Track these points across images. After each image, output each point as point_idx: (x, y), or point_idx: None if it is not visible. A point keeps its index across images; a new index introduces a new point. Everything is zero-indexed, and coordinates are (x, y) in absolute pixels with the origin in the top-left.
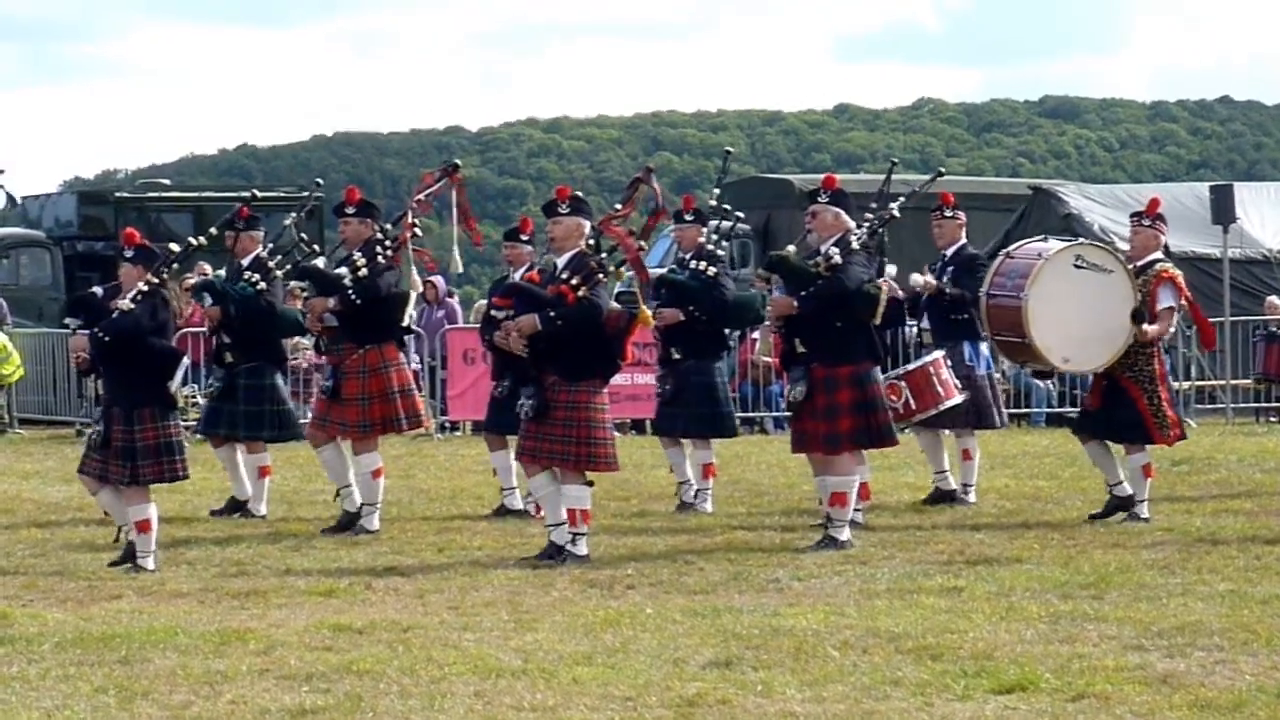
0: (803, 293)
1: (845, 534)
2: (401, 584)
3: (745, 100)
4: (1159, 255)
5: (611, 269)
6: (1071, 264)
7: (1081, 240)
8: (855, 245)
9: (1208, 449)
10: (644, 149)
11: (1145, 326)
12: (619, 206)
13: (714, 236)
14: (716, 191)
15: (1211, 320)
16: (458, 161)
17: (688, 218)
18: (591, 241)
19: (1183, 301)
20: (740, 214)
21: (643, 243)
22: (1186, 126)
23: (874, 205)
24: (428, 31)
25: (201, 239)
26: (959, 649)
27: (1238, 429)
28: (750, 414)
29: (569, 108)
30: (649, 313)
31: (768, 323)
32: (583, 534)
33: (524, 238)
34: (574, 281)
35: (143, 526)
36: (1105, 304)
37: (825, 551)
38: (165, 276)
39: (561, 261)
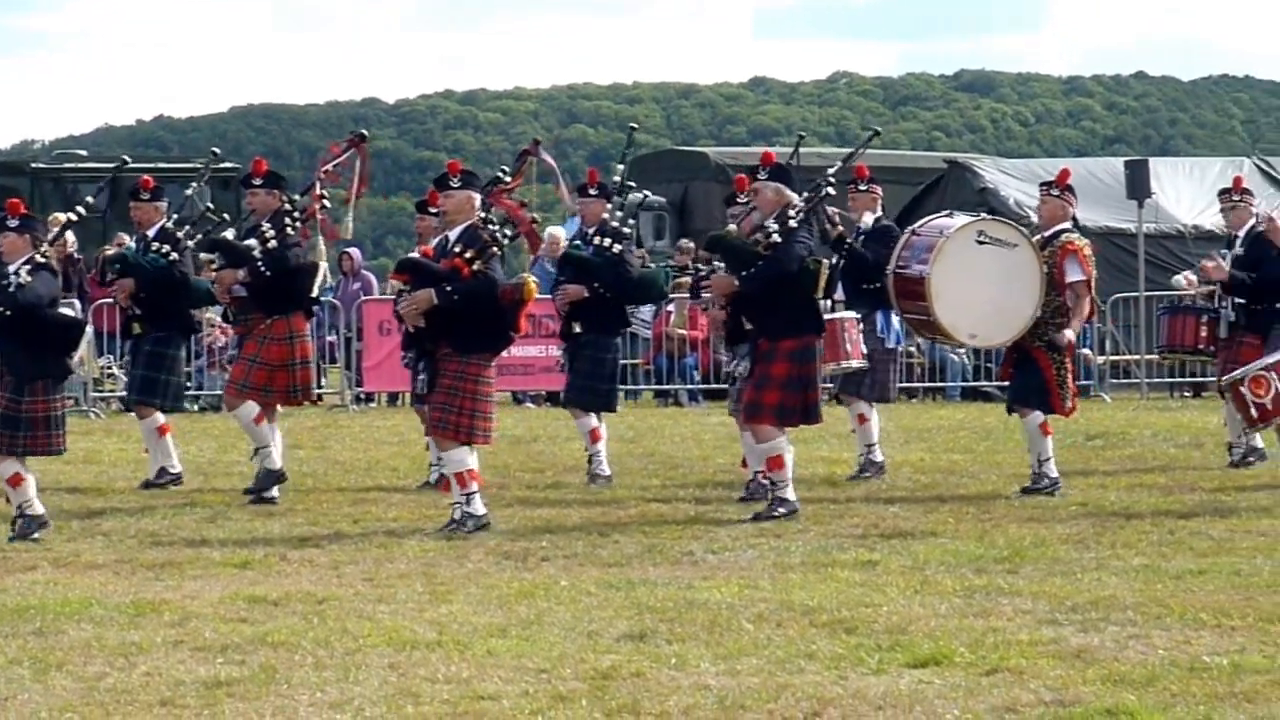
0: (744, 272)
1: (789, 492)
2: (316, 556)
3: (661, 73)
4: (1067, 226)
5: (505, 241)
6: (974, 240)
7: (984, 216)
8: (793, 222)
9: (1122, 424)
10: (559, 121)
11: (1066, 333)
12: (508, 179)
13: (618, 213)
14: (620, 167)
15: (1126, 295)
16: (364, 131)
17: (592, 192)
18: (483, 214)
19: (1090, 271)
20: (645, 189)
21: (534, 216)
22: (1102, 101)
23: None
24: (346, 4)
25: (80, 210)
26: (873, 623)
27: (1152, 404)
28: (665, 386)
29: (485, 80)
30: (533, 283)
31: (706, 297)
32: (474, 492)
33: (434, 210)
34: (468, 255)
35: (13, 481)
36: (1010, 278)
37: (775, 513)
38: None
39: (454, 235)
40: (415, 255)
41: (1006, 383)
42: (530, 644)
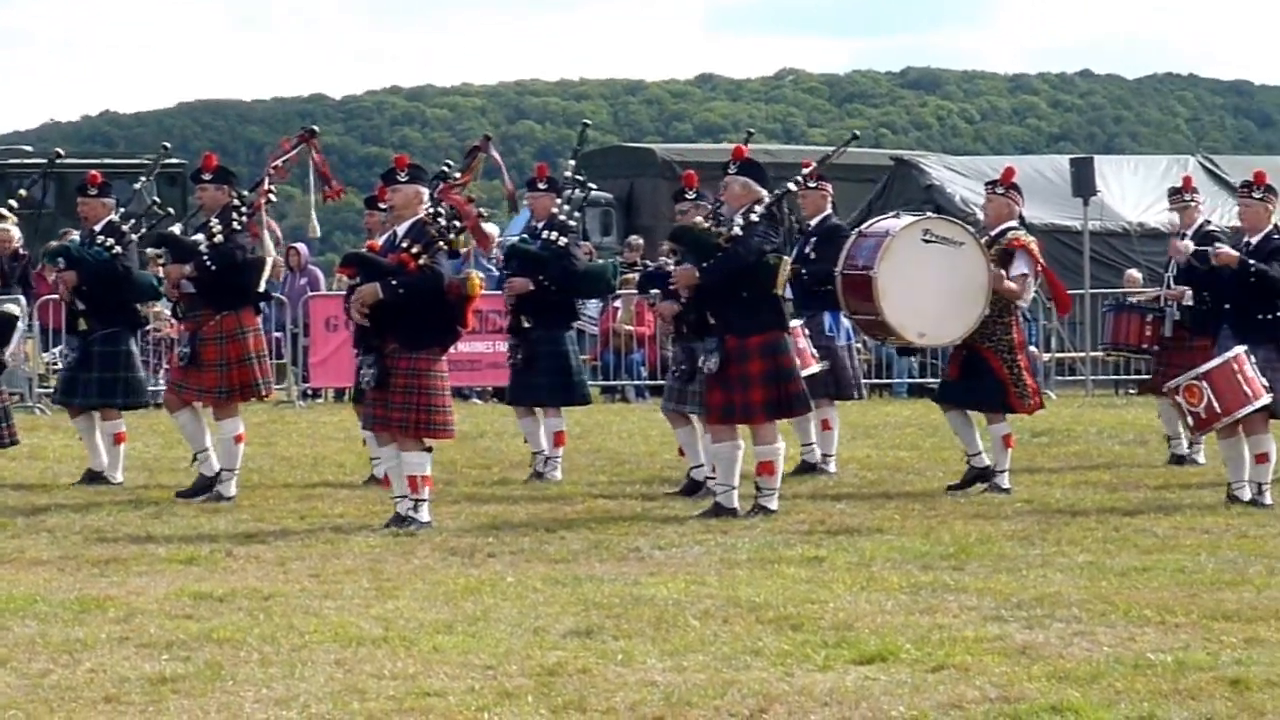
0: (704, 265)
1: (774, 502)
2: (262, 551)
3: (608, 69)
4: (1013, 224)
5: (452, 236)
6: (920, 239)
7: (929, 215)
8: (755, 216)
9: (1067, 421)
10: (507, 117)
11: (1008, 284)
12: (458, 175)
13: (566, 206)
14: (572, 162)
15: (1071, 292)
16: (314, 127)
17: (541, 186)
18: (431, 209)
19: (1038, 269)
20: (592, 184)
21: (482, 211)
22: (1047, 99)
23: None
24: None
25: (13, 203)
26: (819, 619)
27: (1097, 401)
28: (611, 382)
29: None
30: (477, 279)
31: (654, 293)
32: (424, 500)
33: (383, 205)
34: (414, 250)
35: None
36: (957, 276)
37: (757, 519)
38: None
39: (401, 230)
40: (361, 250)
41: (946, 380)
42: (476, 640)
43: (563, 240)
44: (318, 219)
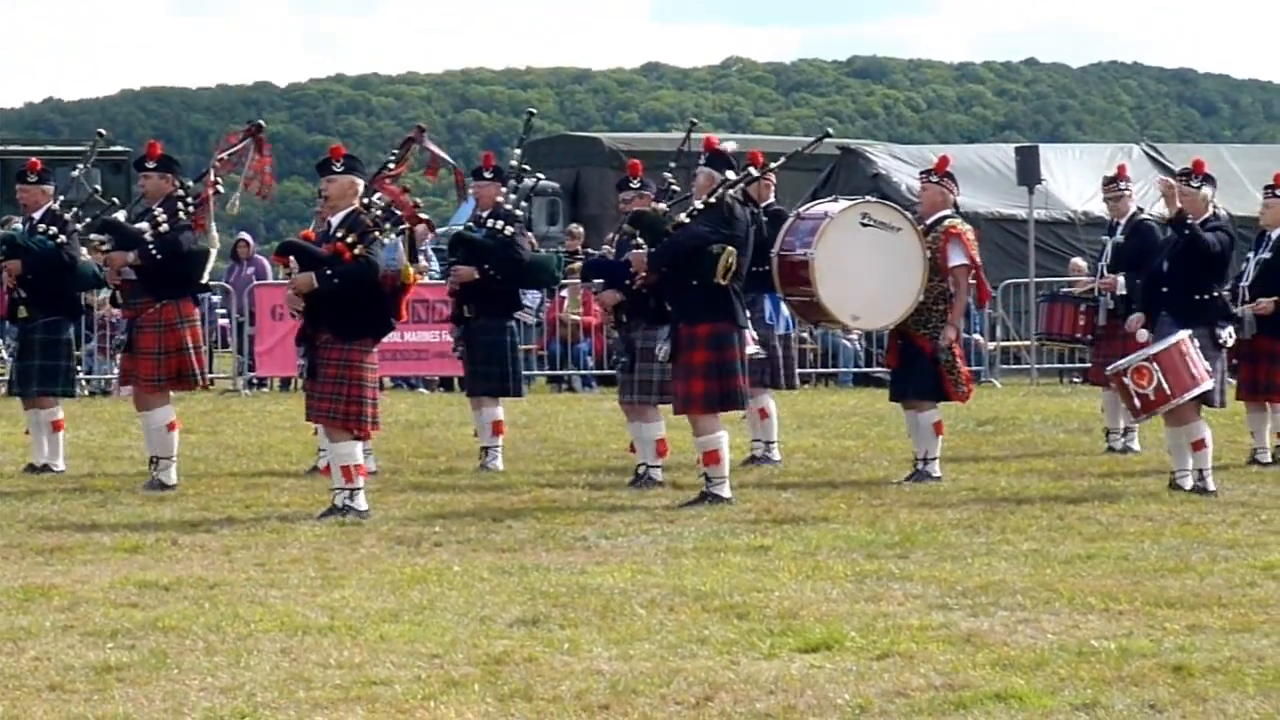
0: (651, 250)
1: (726, 490)
2: (208, 540)
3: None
4: (948, 212)
5: (388, 227)
6: (858, 222)
7: (868, 199)
8: (699, 204)
9: (1012, 409)
10: (453, 106)
11: (947, 331)
12: (392, 165)
13: (512, 196)
14: (518, 152)
15: (1016, 281)
16: (262, 122)
17: (486, 175)
18: (365, 200)
19: (972, 255)
20: (539, 174)
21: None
22: (993, 88)
23: (672, 164)
24: None
25: None
26: (765, 608)
27: (1042, 389)
28: (558, 372)
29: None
30: (412, 270)
31: (598, 283)
32: (359, 488)
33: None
34: (349, 240)
35: None
36: (894, 261)
37: (705, 508)
38: None
39: (336, 220)
40: (297, 239)
41: (891, 374)
42: (423, 629)
43: (508, 229)
44: (240, 200)
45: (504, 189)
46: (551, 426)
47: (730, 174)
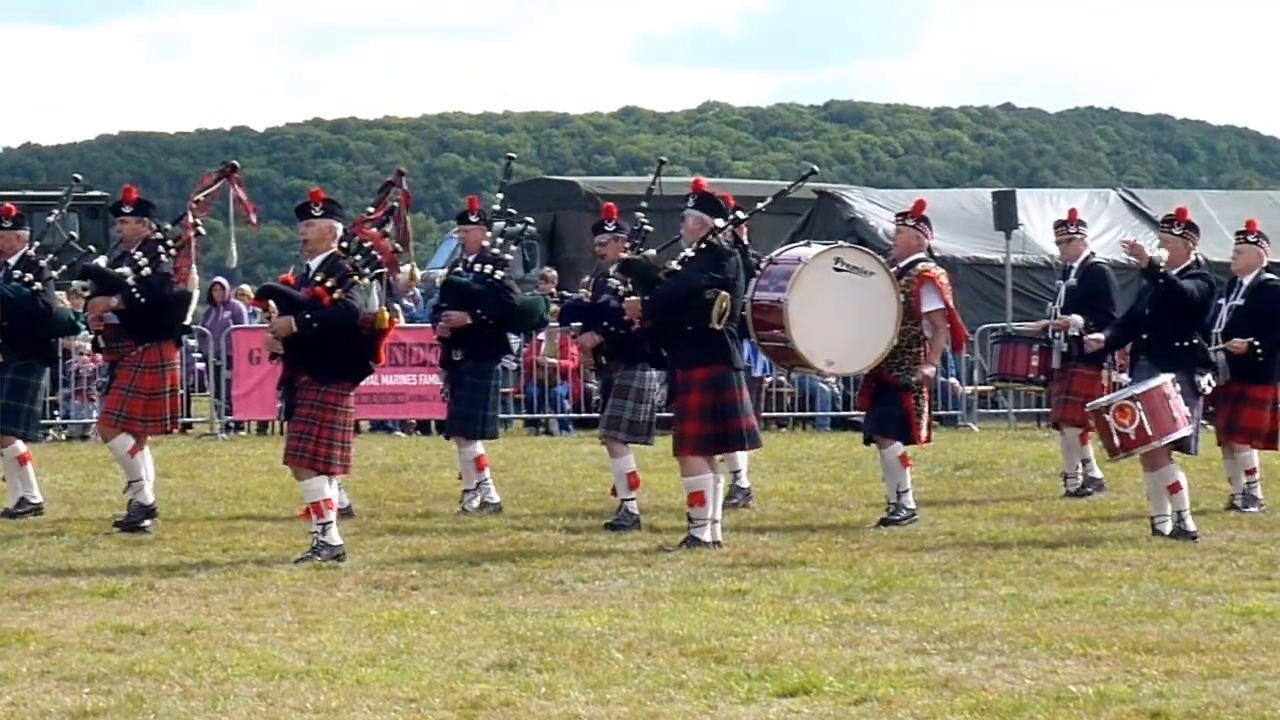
0: (646, 298)
1: (707, 534)
2: (185, 584)
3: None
4: (922, 256)
5: (367, 272)
6: (831, 267)
7: (841, 244)
8: (692, 251)
9: (990, 453)
10: (430, 150)
11: (925, 370)
12: (371, 210)
13: (499, 240)
14: (500, 195)
15: (993, 325)
16: (235, 162)
17: (472, 219)
18: (344, 244)
19: (946, 299)
20: (528, 218)
21: (398, 247)
22: (970, 133)
23: (644, 204)
24: (217, 33)
25: None
26: (743, 652)
27: (1019, 434)
28: (535, 415)
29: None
30: (388, 314)
31: (576, 326)
32: (330, 522)
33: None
34: (329, 284)
35: None
36: (867, 306)
37: (687, 550)
38: None
39: (315, 264)
40: (275, 283)
41: (863, 412)
42: (400, 673)
43: (499, 273)
44: (237, 250)
45: (490, 233)
46: (528, 470)
47: (719, 220)
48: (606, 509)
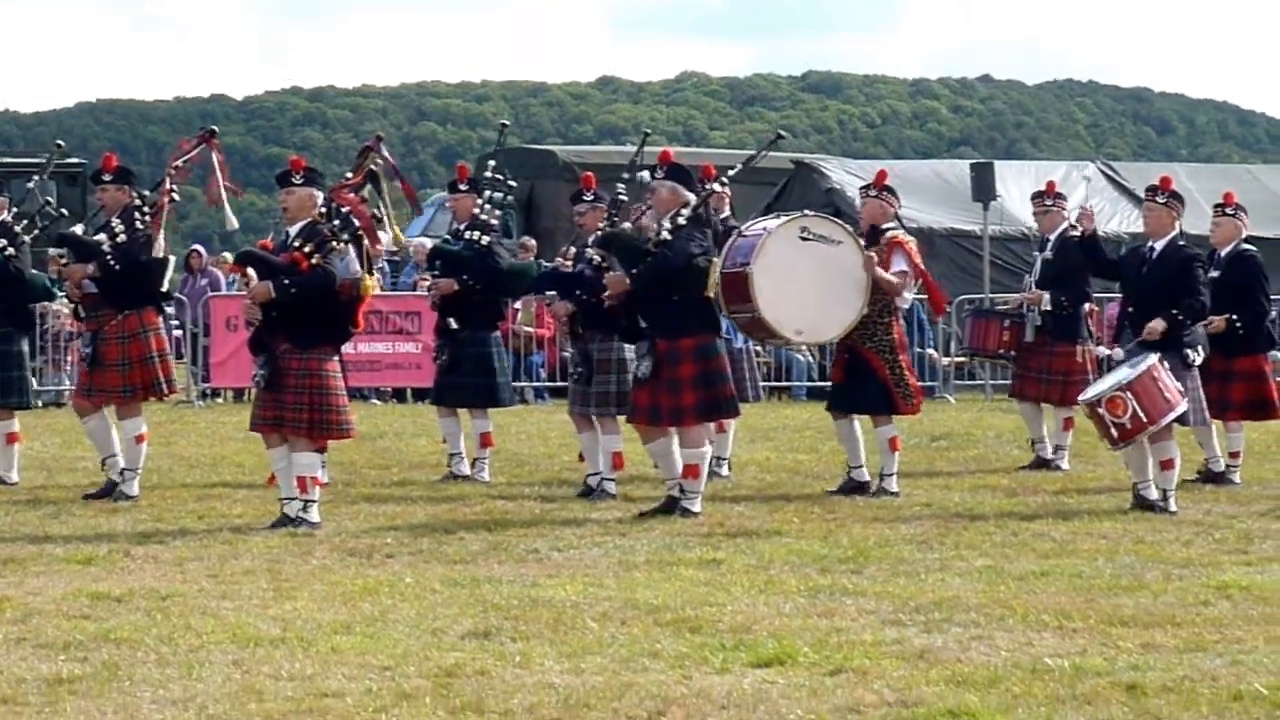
0: (634, 270)
1: (697, 505)
2: (160, 552)
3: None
4: (891, 224)
5: (346, 237)
6: (798, 236)
7: (807, 212)
8: (683, 220)
9: (967, 425)
10: (408, 118)
11: (887, 274)
12: (349, 175)
13: (487, 206)
14: (492, 162)
15: (971, 296)
16: (214, 127)
17: (462, 187)
18: (324, 210)
19: (916, 268)
20: (514, 183)
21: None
22: (948, 104)
23: (625, 176)
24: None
25: None
26: (717, 622)
27: (996, 405)
28: (511, 383)
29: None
30: (370, 282)
31: (551, 294)
32: (313, 500)
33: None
34: (307, 249)
35: None
36: (835, 274)
37: (658, 520)
38: None
39: (294, 230)
40: (254, 248)
41: (832, 383)
42: (374, 641)
43: (485, 239)
44: (233, 213)
45: (480, 200)
46: (504, 438)
47: (715, 186)
48: (581, 477)
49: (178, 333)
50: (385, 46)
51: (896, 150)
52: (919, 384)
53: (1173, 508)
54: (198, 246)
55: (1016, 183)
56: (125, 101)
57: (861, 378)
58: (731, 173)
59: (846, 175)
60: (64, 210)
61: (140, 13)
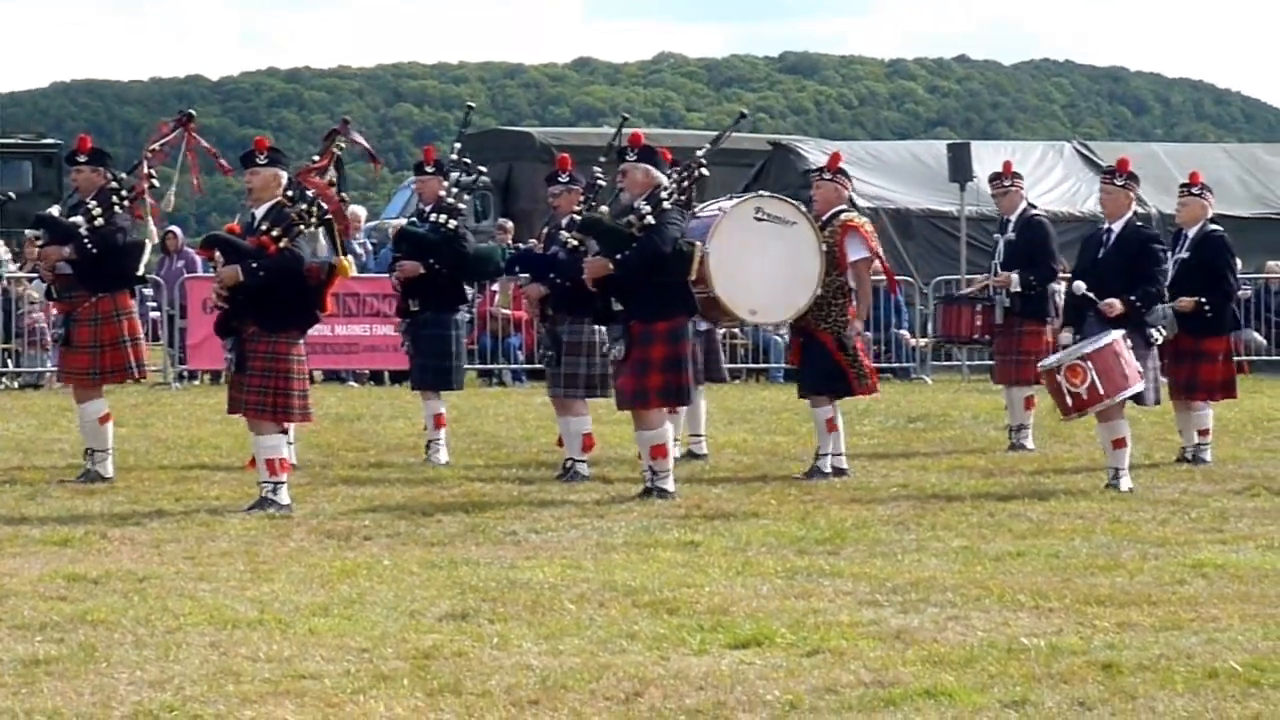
0: (619, 255)
1: (670, 484)
2: (137, 533)
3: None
4: (843, 207)
5: (314, 220)
6: (752, 216)
7: (762, 193)
8: (667, 204)
9: (943, 406)
10: (385, 100)
11: (855, 324)
12: (316, 158)
13: (454, 189)
14: (457, 145)
15: (947, 277)
16: (191, 111)
17: (428, 170)
18: (290, 192)
19: (873, 247)
20: (482, 167)
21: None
22: (924, 85)
23: (603, 159)
24: None
25: None
26: (695, 603)
27: (972, 386)
28: (489, 366)
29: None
30: (347, 263)
31: (524, 277)
32: (282, 482)
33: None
34: (274, 233)
35: None
36: (790, 255)
37: (638, 502)
38: None
39: (260, 212)
40: (221, 232)
41: (792, 366)
42: (352, 623)
43: (452, 222)
44: (175, 195)
45: (446, 183)
46: (482, 421)
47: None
48: (559, 460)
49: (155, 315)
50: (362, 28)
51: (874, 131)
52: (872, 365)
53: (1123, 486)
54: (174, 228)
55: (993, 163)
56: (101, 82)
57: (815, 357)
58: (700, 153)
59: (823, 157)
60: (10, 193)
61: None
